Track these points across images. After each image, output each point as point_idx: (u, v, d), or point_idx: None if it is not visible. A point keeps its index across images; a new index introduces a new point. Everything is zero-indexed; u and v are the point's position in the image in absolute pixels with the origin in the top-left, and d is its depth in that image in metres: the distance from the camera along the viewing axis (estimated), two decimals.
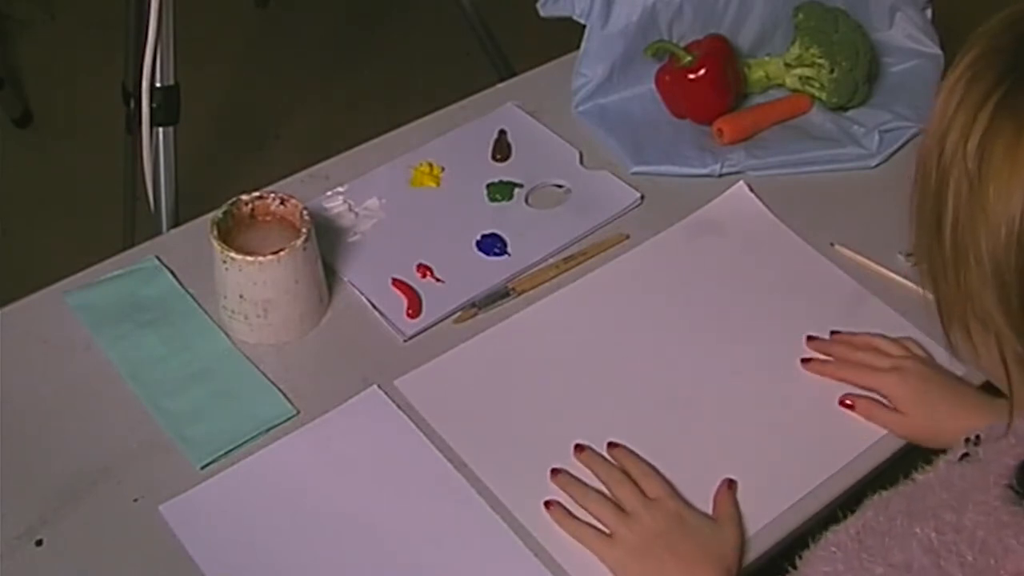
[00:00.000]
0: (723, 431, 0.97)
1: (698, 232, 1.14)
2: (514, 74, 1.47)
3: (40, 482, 0.90)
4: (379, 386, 0.98)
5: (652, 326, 1.05)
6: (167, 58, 1.36)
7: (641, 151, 1.20)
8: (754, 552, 0.89)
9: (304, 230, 0.98)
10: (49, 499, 0.89)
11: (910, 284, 1.08)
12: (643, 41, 1.24)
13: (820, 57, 1.23)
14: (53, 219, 2.08)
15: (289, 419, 0.95)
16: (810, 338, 1.03)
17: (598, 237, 1.13)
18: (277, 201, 1.02)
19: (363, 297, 1.05)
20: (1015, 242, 0.56)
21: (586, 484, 0.91)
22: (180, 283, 1.05)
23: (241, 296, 0.98)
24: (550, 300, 1.06)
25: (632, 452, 0.93)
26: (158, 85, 1.37)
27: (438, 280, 1.07)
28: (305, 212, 0.99)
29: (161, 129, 1.41)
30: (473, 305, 1.05)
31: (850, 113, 1.26)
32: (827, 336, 1.03)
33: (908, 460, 0.87)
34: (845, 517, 0.73)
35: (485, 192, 1.16)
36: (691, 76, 1.21)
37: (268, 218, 1.02)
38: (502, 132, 1.22)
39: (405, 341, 1.02)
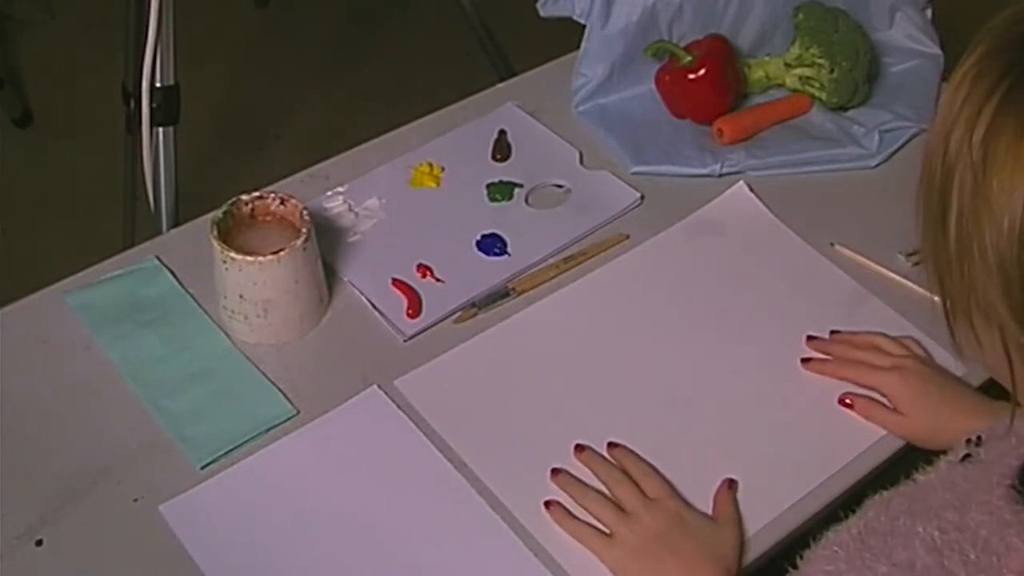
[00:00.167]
0: (723, 431, 0.97)
1: (698, 232, 1.14)
2: (514, 74, 1.47)
3: (40, 482, 0.90)
4: (379, 386, 0.98)
5: (652, 326, 1.05)
6: (167, 58, 1.37)
7: (641, 151, 1.20)
8: (754, 552, 0.89)
9: (304, 230, 0.98)
10: (49, 499, 0.89)
11: (910, 284, 1.08)
12: (643, 41, 1.24)
13: (820, 57, 1.23)
14: (53, 219, 2.08)
15: (289, 419, 0.95)
16: (810, 338, 1.03)
17: (598, 237, 1.13)
18: (277, 201, 1.02)
19: (363, 297, 1.05)
20: (1018, 235, 0.56)
21: (586, 484, 0.91)
22: (180, 283, 1.05)
23: (241, 296, 0.98)
24: (550, 300, 1.06)
25: (632, 452, 0.93)
26: (158, 85, 1.38)
27: (438, 280, 1.07)
28: (305, 212, 0.99)
29: (161, 129, 1.41)
30: (473, 305, 1.05)
31: (850, 113, 1.26)
32: (827, 336, 1.04)
33: (908, 460, 0.87)
34: (846, 517, 0.73)
35: (485, 192, 1.16)
36: (691, 76, 1.21)
37: (268, 218, 1.02)
38: (502, 132, 1.22)
39: (405, 341, 1.02)
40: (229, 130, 2.27)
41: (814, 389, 1.00)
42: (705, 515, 0.89)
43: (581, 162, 1.20)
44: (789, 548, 0.87)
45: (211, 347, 1.00)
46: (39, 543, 0.86)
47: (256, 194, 1.02)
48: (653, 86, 1.26)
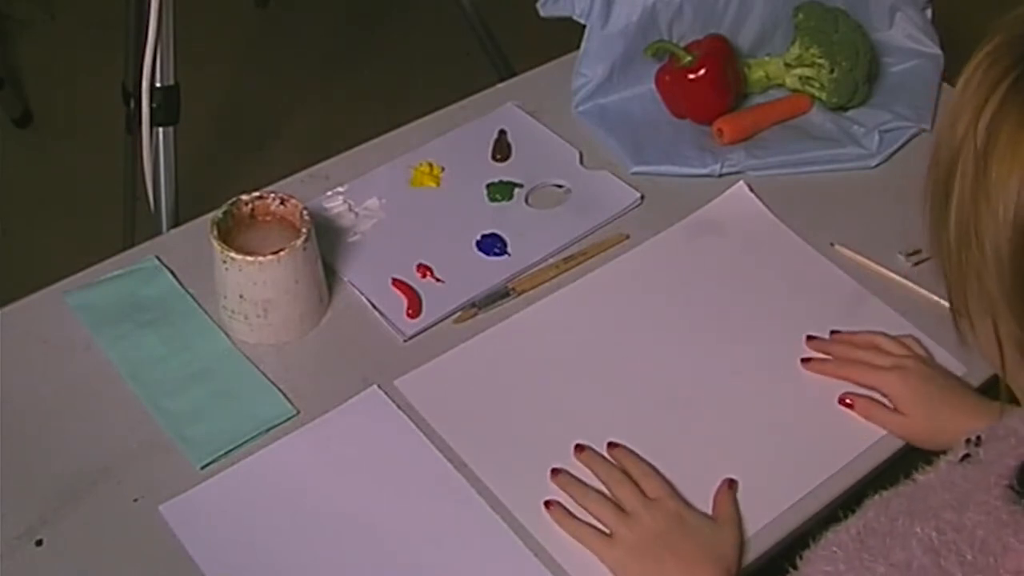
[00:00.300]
0: (723, 431, 0.97)
1: (698, 232, 1.14)
2: (514, 74, 1.47)
3: (40, 482, 0.90)
4: (379, 386, 0.98)
5: (652, 326, 1.05)
6: (167, 58, 1.37)
7: (641, 151, 1.20)
8: (754, 552, 0.89)
9: (304, 230, 0.98)
10: (49, 499, 0.89)
11: (910, 284, 1.08)
12: (643, 41, 1.24)
13: (820, 57, 1.23)
14: (53, 219, 2.08)
15: (289, 419, 0.95)
16: (810, 338, 1.03)
17: (598, 237, 1.13)
18: (277, 201, 1.02)
19: (363, 297, 1.05)
20: (1011, 222, 0.57)
21: (586, 484, 0.91)
22: (180, 283, 1.05)
23: (241, 296, 0.98)
24: (550, 300, 1.06)
25: (632, 452, 0.93)
26: (158, 85, 1.38)
27: (438, 280, 1.07)
28: (305, 212, 0.99)
29: (161, 129, 1.41)
30: (473, 305, 1.05)
31: (850, 113, 1.26)
32: (827, 336, 1.04)
33: (908, 460, 0.87)
34: (846, 517, 0.73)
35: (485, 192, 1.16)
36: (691, 76, 1.21)
37: (268, 218, 1.02)
38: (502, 132, 1.22)
39: (405, 341, 1.02)
40: (229, 130, 2.27)
41: (814, 389, 1.00)
42: (705, 515, 0.89)
43: (581, 162, 1.20)
44: (789, 548, 0.87)
45: (211, 347, 1.00)
46: (39, 543, 0.86)
47: (256, 194, 1.02)
48: (653, 86, 1.26)
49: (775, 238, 1.13)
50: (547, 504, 0.90)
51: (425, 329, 1.03)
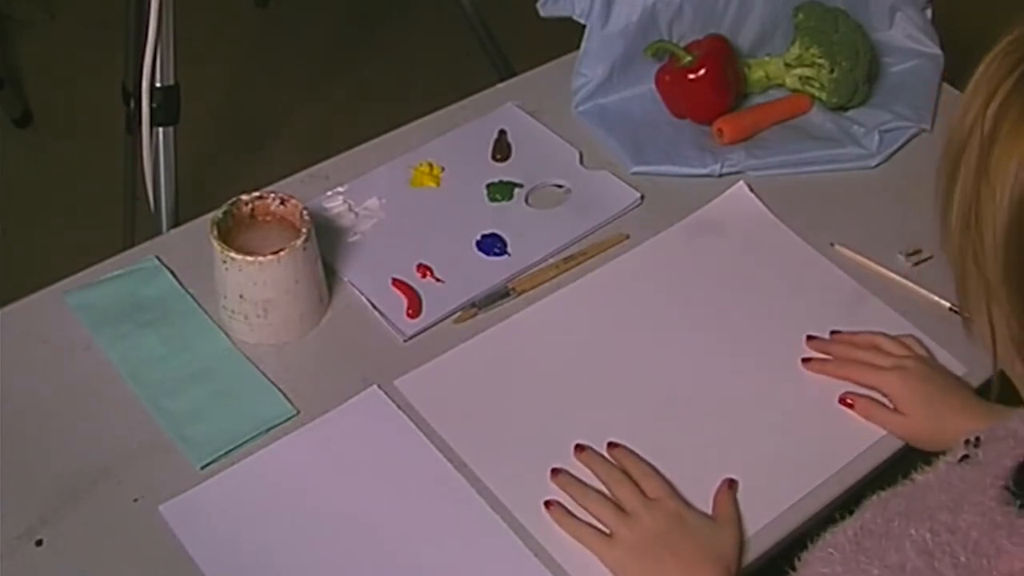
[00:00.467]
0: (723, 431, 0.97)
1: (698, 232, 1.14)
2: (514, 74, 1.47)
3: (40, 482, 0.90)
4: (379, 386, 0.98)
5: (652, 326, 1.05)
6: (167, 58, 1.37)
7: (641, 151, 1.20)
8: (754, 552, 0.89)
9: (304, 230, 0.98)
10: (49, 499, 0.89)
11: (910, 284, 1.08)
12: (643, 41, 1.24)
13: (820, 57, 1.23)
14: (53, 219, 2.07)
15: (289, 419, 0.95)
16: (810, 338, 1.03)
17: (598, 237, 1.13)
18: (277, 201, 1.02)
19: (363, 297, 1.05)
20: (1007, 205, 0.57)
21: (586, 484, 0.91)
22: (180, 283, 1.05)
23: (241, 296, 0.98)
24: (550, 300, 1.06)
25: (632, 452, 0.93)
26: (158, 85, 1.38)
27: (438, 280, 1.07)
28: (305, 212, 0.99)
29: (161, 129, 1.41)
30: (473, 305, 1.05)
31: (850, 113, 1.26)
32: (827, 336, 1.04)
33: (908, 461, 0.87)
34: (843, 519, 0.73)
35: (485, 192, 1.16)
36: (691, 76, 1.21)
37: (268, 218, 1.02)
38: (502, 132, 1.22)
39: (405, 341, 1.02)
40: (229, 130, 2.27)
41: (814, 389, 1.00)
42: (705, 515, 0.89)
43: (581, 162, 1.20)
44: (788, 549, 0.87)
45: (211, 347, 1.00)
46: (39, 543, 0.86)
47: (256, 194, 1.02)
48: (653, 86, 1.26)
49: (775, 238, 1.13)
50: (547, 504, 0.90)
51: (425, 329, 1.03)
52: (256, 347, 1.01)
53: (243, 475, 0.92)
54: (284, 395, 0.97)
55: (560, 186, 1.18)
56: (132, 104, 1.45)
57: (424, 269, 1.08)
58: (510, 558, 0.87)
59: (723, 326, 1.05)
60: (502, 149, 1.20)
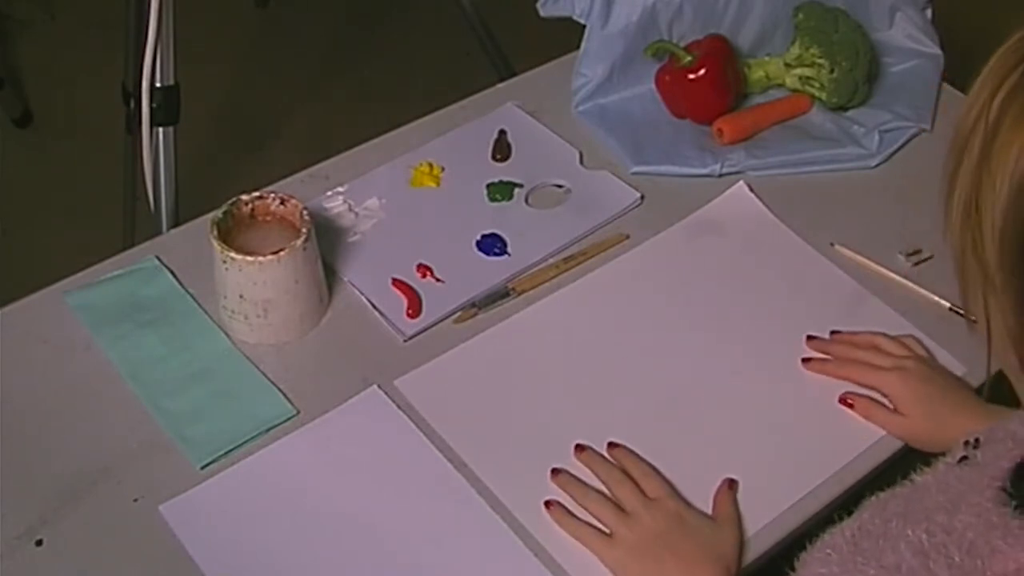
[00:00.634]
0: (723, 431, 0.97)
1: (698, 232, 1.14)
2: (514, 74, 1.47)
3: (40, 482, 0.90)
4: (379, 386, 0.98)
5: (652, 326, 1.05)
6: (167, 58, 1.37)
7: (641, 151, 1.20)
8: (754, 552, 0.89)
9: (304, 230, 0.98)
10: (49, 499, 0.89)
11: (910, 284, 1.08)
12: (643, 41, 1.24)
13: (820, 57, 1.23)
14: (53, 219, 2.08)
15: (289, 419, 0.95)
16: (810, 338, 1.03)
17: (598, 237, 1.13)
18: (277, 201, 1.02)
19: (363, 297, 1.05)
20: (1006, 192, 0.57)
21: (586, 484, 0.91)
22: (180, 283, 1.05)
23: (241, 296, 0.98)
24: (550, 300, 1.06)
25: (632, 452, 0.93)
26: (158, 85, 1.38)
27: (438, 280, 1.07)
28: (305, 212, 1.00)
29: (161, 129, 1.41)
30: (473, 305, 1.05)
31: (850, 113, 1.26)
32: (827, 336, 1.03)
33: (907, 462, 0.87)
34: (841, 519, 0.73)
35: (485, 192, 1.16)
36: (691, 76, 1.21)
37: (268, 218, 1.02)
38: (502, 132, 1.22)
39: (405, 341, 1.02)
40: (229, 130, 2.27)
41: (814, 389, 1.00)
42: (705, 515, 0.89)
43: (581, 162, 1.20)
44: (788, 549, 0.87)
45: (211, 347, 1.00)
46: (39, 543, 0.86)
47: (256, 194, 1.02)
48: (653, 86, 1.26)
49: (775, 238, 1.13)
50: (547, 504, 0.90)
51: (425, 329, 1.03)
52: (256, 347, 1.01)
53: (243, 475, 0.92)
54: (284, 395, 0.97)
55: (560, 186, 1.18)
56: (132, 104, 1.45)
57: (424, 269, 1.08)
58: (510, 558, 0.87)
59: (723, 326, 1.05)
60: (502, 149, 1.20)
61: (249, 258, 0.95)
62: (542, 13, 1.25)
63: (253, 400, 0.96)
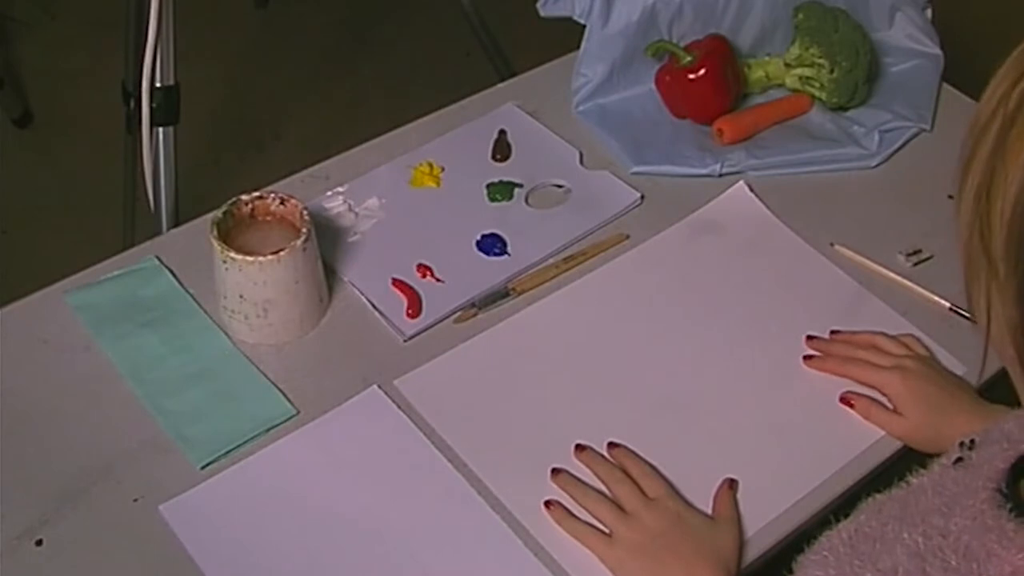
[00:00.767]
0: (723, 431, 0.97)
1: (698, 232, 1.14)
2: (514, 74, 1.47)
3: (40, 482, 0.90)
4: (379, 386, 0.98)
5: (652, 326, 1.05)
6: (167, 58, 1.37)
7: (641, 151, 1.20)
8: (754, 552, 0.89)
9: (304, 230, 0.98)
10: (49, 499, 0.89)
11: (910, 284, 1.08)
12: (643, 41, 1.24)
13: (820, 57, 1.23)
14: (53, 219, 2.08)
15: (289, 419, 0.95)
16: (810, 338, 1.03)
17: (598, 237, 1.13)
18: (277, 201, 1.02)
19: (363, 297, 1.05)
20: (1019, 179, 0.57)
21: (586, 484, 0.91)
22: (180, 283, 1.05)
23: (241, 296, 0.98)
24: (550, 300, 1.06)
25: (632, 452, 0.93)
26: (158, 85, 1.38)
27: (438, 280, 1.07)
28: (305, 212, 0.99)
29: (161, 129, 1.41)
30: (473, 305, 1.05)
31: (850, 113, 1.26)
32: (827, 336, 1.03)
33: (905, 463, 0.87)
34: (838, 521, 0.73)
35: (485, 192, 1.16)
36: (691, 76, 1.21)
37: (268, 218, 1.02)
38: (502, 132, 1.22)
39: (405, 341, 1.02)
40: (229, 130, 2.27)
41: (814, 389, 1.00)
42: (705, 515, 0.89)
43: (581, 162, 1.20)
44: (788, 549, 0.87)
45: (211, 347, 1.00)
46: (39, 543, 0.86)
47: (256, 194, 1.02)
48: (653, 86, 1.26)
49: (775, 238, 1.13)
50: (547, 504, 0.90)
51: (425, 329, 1.03)
52: (256, 347, 1.01)
53: (243, 475, 0.92)
54: (284, 395, 0.97)
55: (560, 186, 1.18)
56: (132, 104, 1.45)
57: (424, 269, 1.08)
58: (510, 558, 0.87)
59: (723, 326, 1.05)
60: (502, 149, 1.20)
61: (249, 258, 0.95)
62: (542, 13, 1.25)
63: (253, 400, 0.96)
